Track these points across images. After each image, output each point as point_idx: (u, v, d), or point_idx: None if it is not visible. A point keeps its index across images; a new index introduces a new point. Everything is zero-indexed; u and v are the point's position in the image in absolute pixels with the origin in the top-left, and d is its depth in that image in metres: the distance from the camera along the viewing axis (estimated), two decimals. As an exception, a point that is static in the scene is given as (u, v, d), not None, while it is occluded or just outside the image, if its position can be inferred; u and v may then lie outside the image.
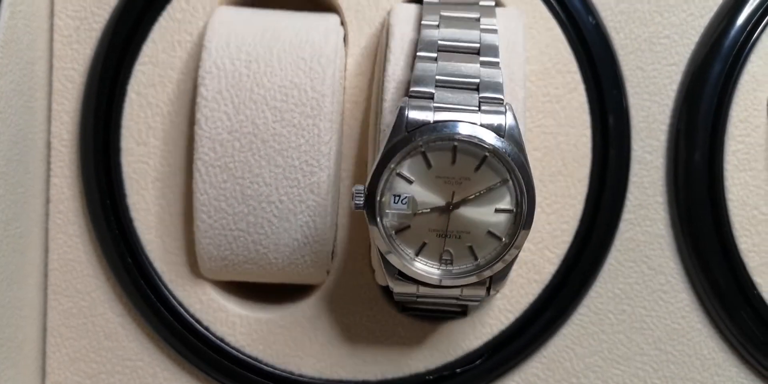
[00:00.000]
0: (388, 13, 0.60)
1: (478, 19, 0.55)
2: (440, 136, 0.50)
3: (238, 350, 0.61)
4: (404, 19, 0.58)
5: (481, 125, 0.50)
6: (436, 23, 0.55)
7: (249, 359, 0.61)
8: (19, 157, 0.58)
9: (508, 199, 0.51)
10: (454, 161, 0.50)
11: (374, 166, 0.51)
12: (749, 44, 0.61)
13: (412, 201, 0.51)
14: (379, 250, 0.52)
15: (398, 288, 0.53)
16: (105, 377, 0.61)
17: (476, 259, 0.51)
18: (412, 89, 0.51)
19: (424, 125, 0.50)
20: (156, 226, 0.61)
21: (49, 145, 0.62)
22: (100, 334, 0.62)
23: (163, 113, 0.61)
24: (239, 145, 0.57)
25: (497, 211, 0.51)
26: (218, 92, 0.57)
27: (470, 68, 0.52)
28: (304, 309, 0.61)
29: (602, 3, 0.62)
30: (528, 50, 0.60)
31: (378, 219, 0.51)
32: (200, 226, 0.58)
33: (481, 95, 0.51)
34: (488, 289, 0.53)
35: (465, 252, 0.51)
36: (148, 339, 0.62)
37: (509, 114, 0.50)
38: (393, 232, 0.51)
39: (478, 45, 0.53)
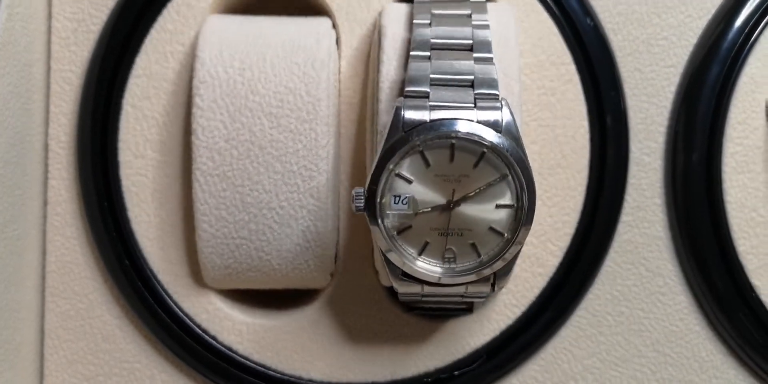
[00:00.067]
0: (379, 14, 0.60)
1: (469, 16, 0.55)
2: (437, 134, 0.50)
3: (246, 358, 0.61)
4: (395, 18, 0.58)
5: (478, 122, 0.50)
6: (428, 21, 0.55)
7: (258, 366, 0.61)
8: (16, 160, 0.58)
9: (508, 194, 0.51)
10: (452, 159, 0.50)
11: (373, 168, 0.51)
12: (747, 46, 0.61)
13: (412, 201, 0.51)
14: (381, 251, 0.52)
15: (402, 288, 0.53)
16: (103, 379, 0.61)
17: (479, 256, 0.51)
18: (407, 89, 0.51)
19: (420, 125, 0.50)
20: (157, 237, 0.61)
21: (46, 147, 0.62)
22: (97, 336, 0.62)
23: (159, 125, 0.61)
24: (237, 153, 0.57)
25: (498, 206, 0.51)
26: (213, 101, 0.57)
27: (464, 65, 0.52)
28: (310, 313, 0.61)
29: (600, 4, 0.62)
30: (521, 43, 0.60)
31: (379, 220, 0.51)
32: (202, 235, 0.58)
33: (476, 92, 0.51)
34: (493, 286, 0.53)
35: (468, 249, 0.51)
36: (145, 341, 0.62)
37: (505, 109, 0.50)
38: (395, 232, 0.51)
39: (470, 41, 0.53)
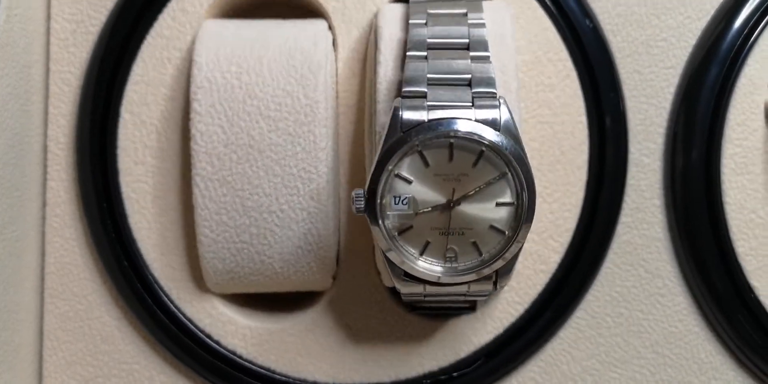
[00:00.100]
0: (375, 15, 0.60)
1: (465, 15, 0.55)
2: (436, 134, 0.50)
3: (250, 362, 0.61)
4: (391, 19, 0.58)
5: (476, 121, 0.50)
6: (424, 21, 0.55)
7: (262, 370, 0.61)
8: (15, 161, 0.58)
9: (508, 192, 0.51)
10: (451, 158, 0.50)
11: (372, 169, 0.51)
12: (747, 47, 0.61)
13: (412, 201, 0.51)
14: (383, 252, 0.52)
15: (405, 289, 0.53)
16: (102, 381, 0.61)
17: (481, 254, 0.52)
18: (404, 89, 0.51)
19: (419, 125, 0.50)
20: (159, 244, 0.61)
21: (45, 149, 0.62)
22: (96, 337, 0.62)
23: (157, 131, 0.61)
24: (236, 157, 0.57)
25: (498, 205, 0.51)
26: (211, 106, 0.57)
27: (461, 64, 0.52)
28: (313, 316, 0.61)
29: (599, 6, 0.62)
30: (517, 40, 0.60)
31: (380, 221, 0.51)
32: (203, 240, 0.58)
33: (473, 90, 0.51)
34: (495, 284, 0.53)
35: (469, 248, 0.51)
36: (144, 342, 0.62)
37: (503, 107, 0.50)
38: (396, 233, 0.51)
39: (467, 40, 0.53)
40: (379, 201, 0.51)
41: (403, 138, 0.50)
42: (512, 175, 0.51)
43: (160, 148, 0.61)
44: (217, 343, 0.61)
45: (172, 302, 0.61)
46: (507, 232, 0.51)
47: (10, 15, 0.57)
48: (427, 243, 0.51)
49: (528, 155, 0.51)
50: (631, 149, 0.62)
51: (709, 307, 0.61)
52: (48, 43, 0.62)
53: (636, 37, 0.62)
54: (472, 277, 0.52)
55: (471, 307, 0.60)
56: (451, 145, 0.50)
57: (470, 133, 0.50)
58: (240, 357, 0.61)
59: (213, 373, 0.61)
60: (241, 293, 0.62)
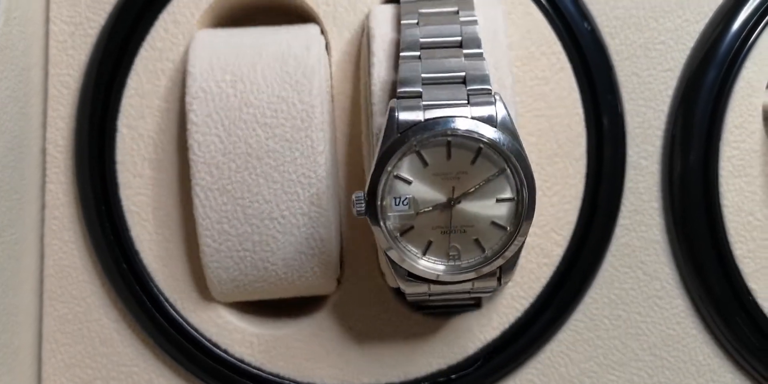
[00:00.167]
0: (367, 16, 0.60)
1: (456, 12, 0.55)
2: (433, 133, 0.50)
3: (259, 369, 0.61)
4: (383, 20, 0.58)
5: (473, 118, 0.50)
6: (416, 21, 0.55)
7: (272, 377, 0.61)
8: (14, 164, 0.58)
9: (507, 188, 0.51)
10: (449, 156, 0.51)
11: (371, 171, 0.51)
12: (744, 50, 0.61)
13: (413, 201, 0.51)
14: (386, 253, 0.52)
15: (409, 289, 0.53)
16: (100, 383, 0.61)
17: (483, 251, 0.52)
18: (399, 90, 0.51)
19: (415, 125, 0.50)
20: (161, 255, 0.61)
21: (44, 151, 0.62)
22: (95, 340, 0.62)
23: (155, 143, 0.61)
24: (235, 165, 0.57)
25: (498, 201, 0.51)
26: (208, 116, 0.57)
27: (455, 62, 0.52)
28: (319, 320, 0.61)
29: (597, 8, 0.62)
30: (510, 36, 0.60)
31: (381, 223, 0.51)
32: (206, 250, 0.58)
33: (468, 88, 0.51)
34: (499, 279, 0.53)
35: (471, 245, 0.52)
36: (143, 345, 0.62)
37: (499, 104, 0.51)
38: (398, 234, 0.51)
39: (459, 38, 0.54)
40: (379, 203, 0.51)
41: (400, 139, 0.50)
42: (511, 170, 0.51)
43: (158, 160, 0.61)
44: (225, 351, 0.61)
45: (177, 313, 0.61)
46: (508, 228, 0.51)
47: (9, 18, 0.57)
48: (430, 242, 0.52)
49: (526, 149, 0.51)
50: (629, 152, 0.62)
51: (707, 310, 0.61)
52: (47, 46, 0.62)
53: (634, 39, 0.62)
54: (472, 275, 0.52)
55: (476, 304, 0.60)
56: (448, 143, 0.50)
57: (467, 130, 0.50)
58: (249, 365, 0.60)
59: (222, 382, 0.60)
60: (246, 301, 0.62)
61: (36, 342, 0.62)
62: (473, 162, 0.50)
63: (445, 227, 0.51)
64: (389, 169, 0.50)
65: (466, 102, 0.51)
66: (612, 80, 0.62)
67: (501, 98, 0.51)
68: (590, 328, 0.62)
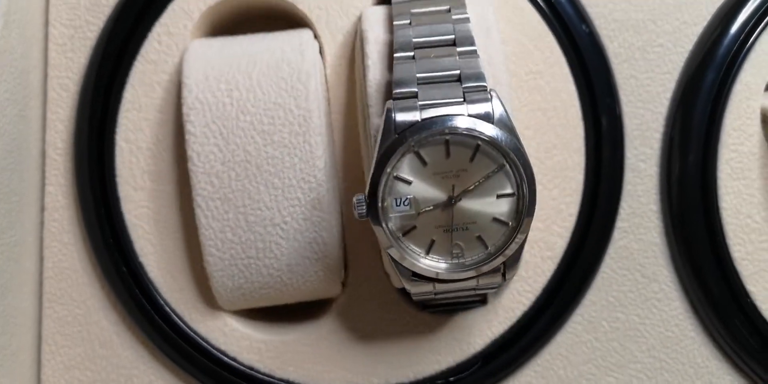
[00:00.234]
0: (359, 19, 0.60)
1: (448, 11, 0.55)
2: (430, 132, 0.50)
3: (269, 375, 0.61)
4: (375, 21, 0.58)
5: (470, 116, 0.50)
6: (408, 21, 0.55)
7: (282, 382, 0.61)
8: (13, 166, 0.58)
9: (507, 183, 0.51)
10: (448, 155, 0.51)
11: (371, 173, 0.51)
12: (743, 52, 0.61)
13: (413, 201, 0.51)
14: (389, 254, 0.52)
15: (414, 289, 0.53)
16: (100, 385, 0.62)
17: (487, 247, 0.52)
18: (395, 91, 0.51)
19: (412, 125, 0.50)
20: (166, 266, 0.61)
21: (43, 154, 0.62)
22: (95, 342, 0.62)
23: (154, 155, 0.61)
24: (235, 174, 0.57)
25: (499, 197, 0.51)
26: (205, 126, 0.57)
27: (449, 61, 0.52)
28: (326, 324, 0.61)
29: (596, 11, 0.62)
30: (503, 31, 0.60)
31: (383, 224, 0.51)
32: (210, 260, 0.58)
33: (464, 86, 0.51)
34: (503, 275, 0.53)
35: (474, 243, 0.52)
36: (143, 347, 0.62)
37: (495, 100, 0.51)
38: (400, 234, 0.51)
39: (452, 37, 0.54)
40: (380, 204, 0.51)
41: (398, 139, 0.50)
42: (510, 166, 0.51)
43: (158, 172, 0.61)
44: (234, 359, 0.60)
45: (185, 324, 0.61)
46: (510, 223, 0.51)
47: (9, 20, 0.57)
48: (432, 241, 0.52)
49: (524, 144, 0.51)
50: (627, 154, 0.62)
51: (705, 312, 0.61)
52: (46, 49, 0.62)
53: (632, 42, 0.62)
54: (472, 273, 0.52)
55: (482, 301, 0.60)
56: (446, 141, 0.50)
57: (465, 128, 0.50)
58: (258, 371, 0.60)
59: None
60: (252, 308, 0.62)
61: (35, 344, 0.62)
62: (472, 159, 0.51)
63: (447, 226, 0.51)
64: (389, 170, 0.51)
65: (462, 100, 0.51)
66: (610, 83, 0.62)
67: (497, 95, 0.51)
68: (589, 331, 0.62)
